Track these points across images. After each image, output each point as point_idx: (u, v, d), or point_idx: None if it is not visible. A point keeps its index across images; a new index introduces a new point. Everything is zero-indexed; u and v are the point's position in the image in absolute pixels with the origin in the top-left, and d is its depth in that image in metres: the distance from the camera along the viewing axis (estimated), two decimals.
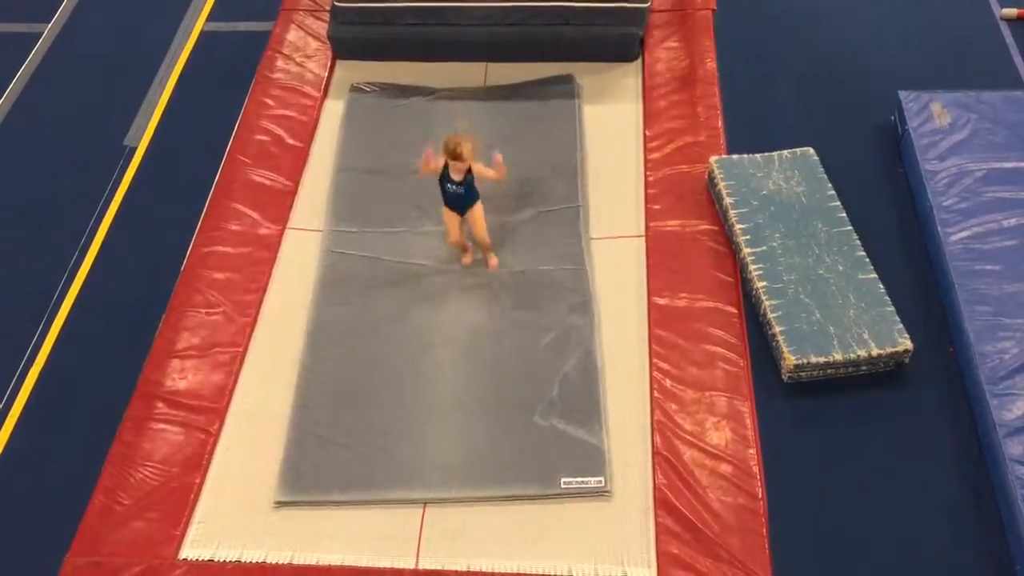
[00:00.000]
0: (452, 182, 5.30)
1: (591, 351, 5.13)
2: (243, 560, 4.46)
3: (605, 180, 6.07)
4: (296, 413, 4.98)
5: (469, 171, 5.27)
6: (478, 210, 5.43)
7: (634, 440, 4.82)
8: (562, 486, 4.61)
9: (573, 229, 5.75)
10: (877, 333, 5.04)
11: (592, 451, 4.72)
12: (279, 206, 5.98)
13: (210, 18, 7.68)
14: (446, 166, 5.27)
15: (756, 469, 4.64)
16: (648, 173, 6.02)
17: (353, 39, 6.87)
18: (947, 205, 5.62)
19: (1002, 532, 4.54)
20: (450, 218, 5.47)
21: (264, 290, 5.56)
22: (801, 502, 4.68)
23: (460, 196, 5.34)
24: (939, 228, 5.52)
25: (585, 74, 6.75)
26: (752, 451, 4.71)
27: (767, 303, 5.20)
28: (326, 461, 4.78)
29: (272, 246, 5.77)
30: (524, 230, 5.78)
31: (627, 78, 6.74)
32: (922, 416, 5.01)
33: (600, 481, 4.62)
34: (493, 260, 5.59)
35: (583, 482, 4.62)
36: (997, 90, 6.27)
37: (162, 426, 4.91)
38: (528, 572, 4.37)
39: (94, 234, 6.11)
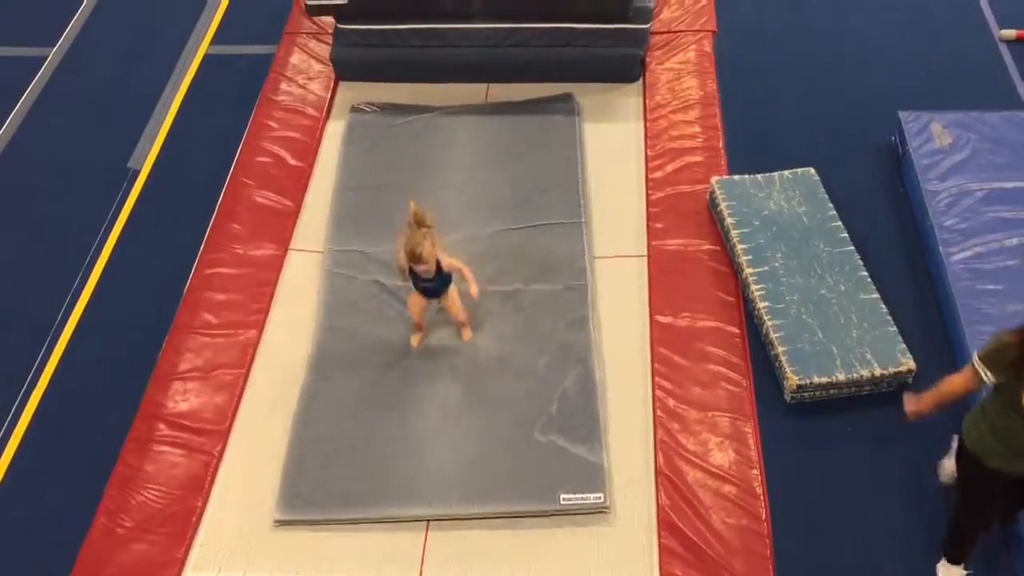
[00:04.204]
0: (422, 279, 4.99)
1: (589, 366, 5.13)
2: None
3: (607, 199, 6.09)
4: (296, 432, 4.97)
5: (439, 266, 4.92)
6: (452, 292, 5.13)
7: (637, 460, 4.82)
8: (561, 502, 4.60)
9: (576, 245, 5.77)
10: (880, 353, 5.04)
11: (591, 468, 4.71)
12: (282, 227, 6.00)
13: (214, 41, 7.73)
14: (410, 262, 4.87)
15: (760, 490, 4.63)
16: (650, 192, 6.05)
17: (355, 61, 6.91)
18: (948, 225, 5.63)
19: (1006, 553, 4.52)
20: (417, 300, 5.16)
21: (267, 311, 5.57)
22: (805, 523, 4.67)
23: (433, 288, 5.07)
24: (941, 248, 5.52)
25: (587, 94, 6.78)
26: (755, 471, 4.70)
27: (769, 323, 5.20)
28: (325, 479, 4.77)
29: (275, 267, 5.78)
30: (525, 246, 5.80)
31: (629, 98, 6.77)
32: (925, 436, 4.99)
33: (599, 498, 4.60)
34: (468, 333, 5.30)
35: (582, 498, 4.61)
36: (997, 110, 6.30)
37: (165, 448, 4.91)
38: None
39: (97, 256, 6.12)
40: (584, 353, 5.19)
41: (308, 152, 6.46)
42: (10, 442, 5.21)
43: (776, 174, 5.95)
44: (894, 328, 5.15)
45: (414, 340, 5.33)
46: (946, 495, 4.57)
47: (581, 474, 4.69)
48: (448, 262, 4.98)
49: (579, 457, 4.76)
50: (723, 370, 5.11)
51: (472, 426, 4.95)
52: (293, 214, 6.09)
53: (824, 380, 4.98)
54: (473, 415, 5.00)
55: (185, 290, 5.68)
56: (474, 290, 5.05)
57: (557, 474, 4.70)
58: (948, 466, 4.56)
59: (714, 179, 5.90)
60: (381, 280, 5.63)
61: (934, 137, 6.11)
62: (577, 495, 4.61)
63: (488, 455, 4.81)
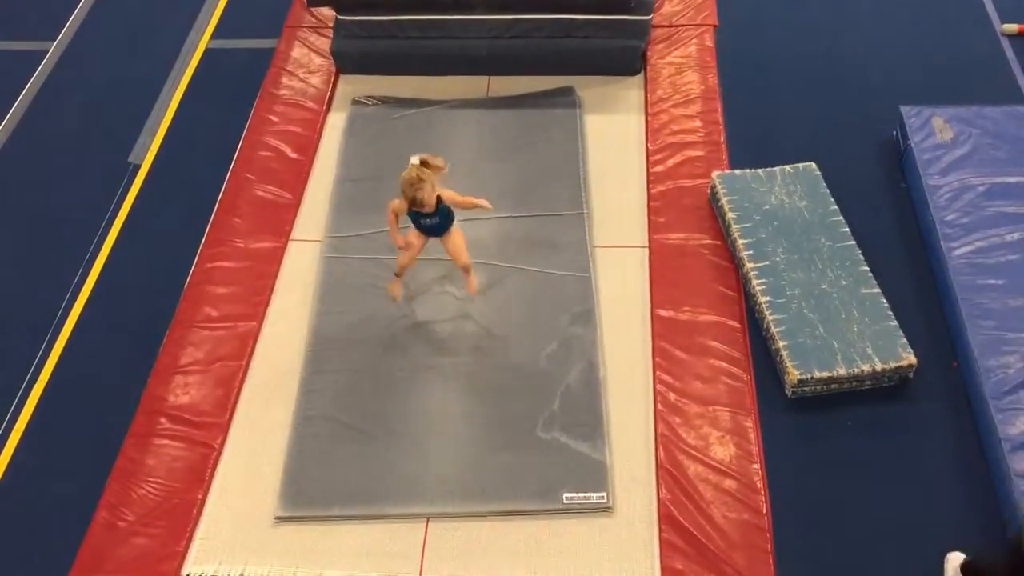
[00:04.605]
0: (425, 215, 4.92)
1: (594, 363, 5.13)
2: None
3: (608, 193, 6.08)
4: (296, 427, 4.98)
5: (439, 200, 4.88)
6: (455, 234, 5.07)
7: (638, 454, 4.82)
8: (564, 501, 4.60)
9: (578, 235, 5.76)
10: (881, 348, 5.03)
11: (595, 466, 4.71)
12: (282, 220, 6.00)
13: (214, 35, 7.72)
14: (411, 208, 4.87)
15: (760, 484, 4.64)
16: (651, 186, 6.04)
17: (356, 53, 6.90)
18: (950, 220, 5.62)
19: (1007, 548, 4.52)
20: (416, 238, 5.09)
21: (267, 303, 5.57)
22: (805, 517, 4.67)
23: (436, 225, 5.00)
24: (942, 243, 5.51)
25: (588, 87, 6.77)
26: (756, 466, 4.70)
27: (770, 318, 5.20)
28: (326, 475, 4.77)
29: (275, 259, 5.78)
30: (528, 234, 5.80)
31: (630, 91, 6.76)
32: (926, 431, 4.99)
33: (602, 497, 4.61)
34: (473, 283, 5.28)
35: (585, 498, 4.61)
36: (999, 105, 6.28)
37: (165, 442, 4.92)
38: None
39: (98, 251, 6.12)
40: (589, 349, 5.18)
41: (309, 145, 6.46)
42: (11, 436, 5.21)
43: (777, 168, 5.94)
44: (895, 323, 5.15)
45: (394, 288, 5.32)
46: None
47: (584, 472, 4.69)
48: (449, 195, 4.92)
49: (582, 454, 4.76)
50: (724, 364, 5.11)
51: (474, 421, 4.94)
52: (294, 207, 6.08)
53: (825, 375, 4.97)
54: (475, 410, 4.99)
55: (186, 284, 5.69)
56: (483, 202, 5.09)
57: (560, 473, 4.70)
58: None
59: (715, 173, 5.90)
60: (379, 257, 5.61)
61: (935, 131, 6.10)
62: (580, 494, 4.62)
63: (490, 452, 4.81)
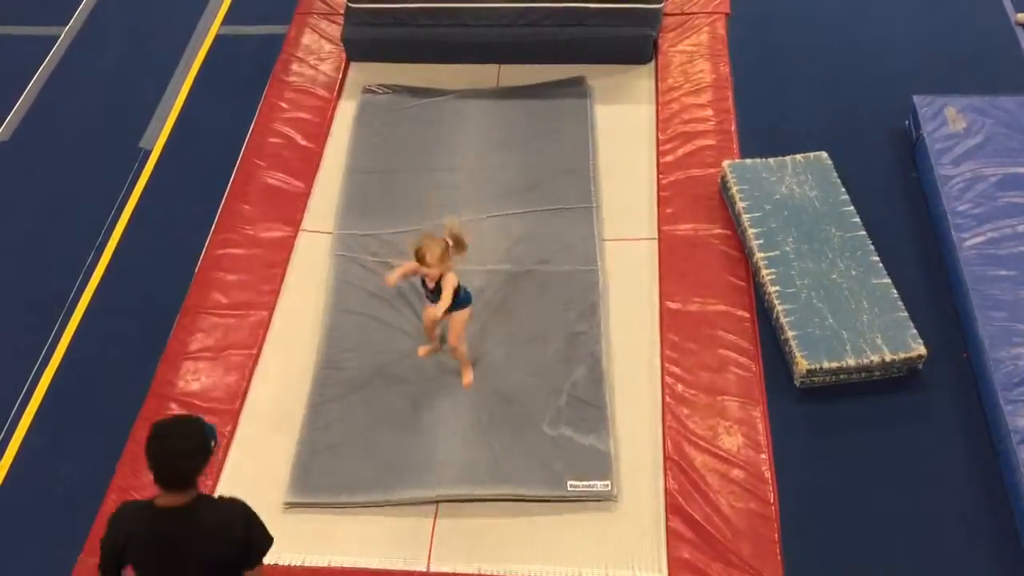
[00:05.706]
0: (427, 288, 4.78)
1: (599, 358, 5.12)
2: None
3: (618, 182, 6.07)
4: (307, 415, 4.99)
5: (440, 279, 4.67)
6: (458, 316, 4.83)
7: (645, 444, 4.82)
8: (568, 489, 4.61)
9: (586, 230, 5.75)
10: (890, 338, 5.02)
11: (599, 456, 4.72)
12: (292, 208, 6.01)
13: (225, 22, 7.72)
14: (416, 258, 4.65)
15: (768, 474, 4.63)
16: (661, 176, 6.03)
17: (366, 41, 6.90)
18: (961, 210, 5.60)
19: (1015, 539, 4.52)
20: (428, 311, 4.97)
21: (277, 292, 5.58)
22: (813, 507, 4.67)
23: (434, 301, 4.77)
24: (953, 233, 5.49)
25: (599, 76, 6.76)
26: (764, 456, 4.70)
27: (780, 308, 5.19)
28: (335, 464, 4.79)
29: (285, 248, 5.79)
30: (535, 229, 5.79)
31: (641, 80, 6.74)
32: (935, 422, 4.99)
33: (607, 485, 4.61)
34: (467, 376, 5.01)
35: (589, 486, 4.62)
36: (1012, 95, 6.25)
37: None
38: None
39: (109, 236, 6.14)
40: (594, 344, 5.17)
41: (319, 133, 6.46)
42: (23, 419, 5.24)
43: (788, 158, 5.92)
44: (905, 313, 5.13)
45: (421, 349, 5.16)
46: None
47: (589, 462, 4.69)
48: (450, 280, 4.66)
49: (587, 446, 4.76)
50: (732, 355, 5.10)
51: (481, 417, 4.94)
52: (304, 195, 6.09)
53: (834, 365, 4.96)
54: (483, 406, 4.98)
55: (196, 270, 5.70)
56: (438, 310, 4.70)
57: (565, 462, 4.70)
58: None
59: (726, 163, 5.88)
60: (391, 262, 5.62)
61: (948, 121, 6.07)
62: (584, 483, 4.62)
63: (497, 445, 4.81)
